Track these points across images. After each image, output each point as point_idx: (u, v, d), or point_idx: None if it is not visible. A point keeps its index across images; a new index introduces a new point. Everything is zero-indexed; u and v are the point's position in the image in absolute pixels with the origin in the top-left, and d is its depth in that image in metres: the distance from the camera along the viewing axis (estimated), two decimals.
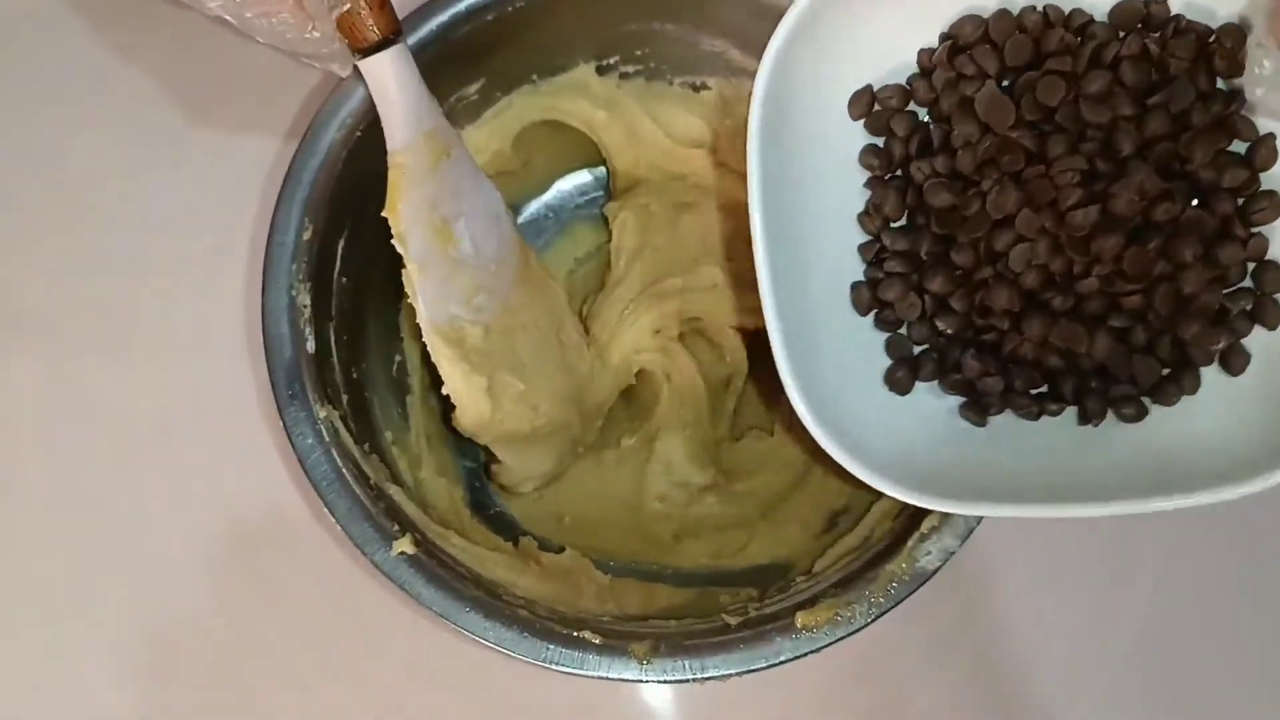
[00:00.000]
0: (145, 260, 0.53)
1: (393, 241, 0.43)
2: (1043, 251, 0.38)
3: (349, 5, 0.40)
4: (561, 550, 0.50)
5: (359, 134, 0.45)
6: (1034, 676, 0.50)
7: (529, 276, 0.50)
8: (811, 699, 0.49)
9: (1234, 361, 0.39)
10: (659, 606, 0.49)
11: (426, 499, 0.48)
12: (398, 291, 0.51)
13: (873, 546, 0.44)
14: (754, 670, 0.40)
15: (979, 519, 0.42)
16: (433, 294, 0.45)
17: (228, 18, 0.39)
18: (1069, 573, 0.51)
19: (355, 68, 0.42)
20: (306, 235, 0.44)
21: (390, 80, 0.42)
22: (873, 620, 0.41)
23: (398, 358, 0.52)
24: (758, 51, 0.49)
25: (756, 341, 0.53)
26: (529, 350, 0.49)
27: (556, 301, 0.52)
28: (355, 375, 0.48)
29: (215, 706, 0.49)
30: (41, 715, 0.49)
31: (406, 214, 0.43)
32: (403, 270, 0.44)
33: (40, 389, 0.52)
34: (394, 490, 0.45)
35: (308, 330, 0.44)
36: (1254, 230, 0.38)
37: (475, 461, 0.54)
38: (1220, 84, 0.38)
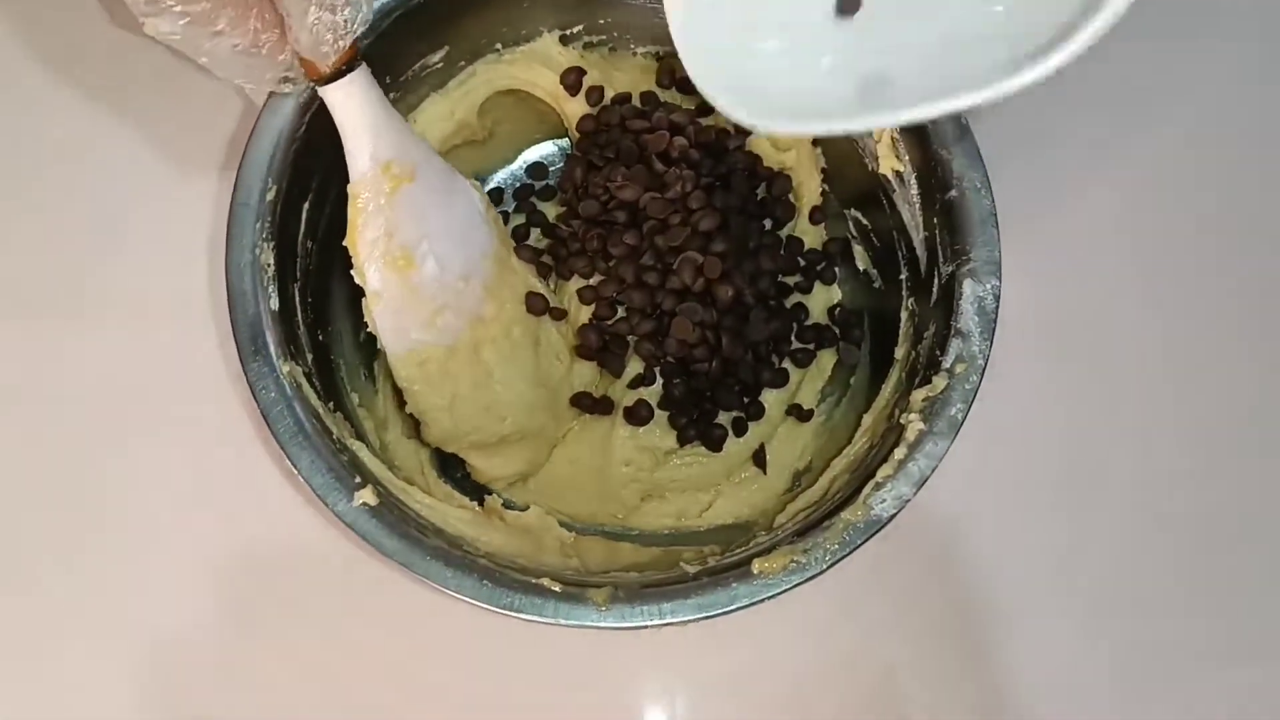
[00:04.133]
0: (110, 230, 0.54)
1: (351, 272, 0.45)
2: None
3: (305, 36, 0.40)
4: (526, 509, 0.50)
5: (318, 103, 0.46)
6: (997, 630, 0.51)
7: (505, 282, 0.50)
8: (780, 652, 0.50)
9: None
10: (622, 563, 0.49)
11: (393, 460, 0.49)
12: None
13: (830, 500, 0.45)
14: (711, 616, 0.41)
15: (932, 468, 0.42)
16: (391, 324, 0.45)
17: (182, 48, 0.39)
18: (1031, 529, 0.52)
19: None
20: (269, 196, 0.45)
21: (347, 110, 0.43)
22: (828, 566, 0.41)
23: (366, 325, 0.52)
24: None
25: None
26: (498, 361, 0.49)
27: None
28: (321, 338, 0.48)
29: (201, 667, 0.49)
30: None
31: (363, 248, 0.44)
32: (362, 300, 0.45)
33: (4, 358, 0.52)
34: (357, 446, 0.45)
35: (271, 288, 0.44)
36: None
37: None
38: None
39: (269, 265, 0.44)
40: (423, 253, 0.46)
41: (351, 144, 0.43)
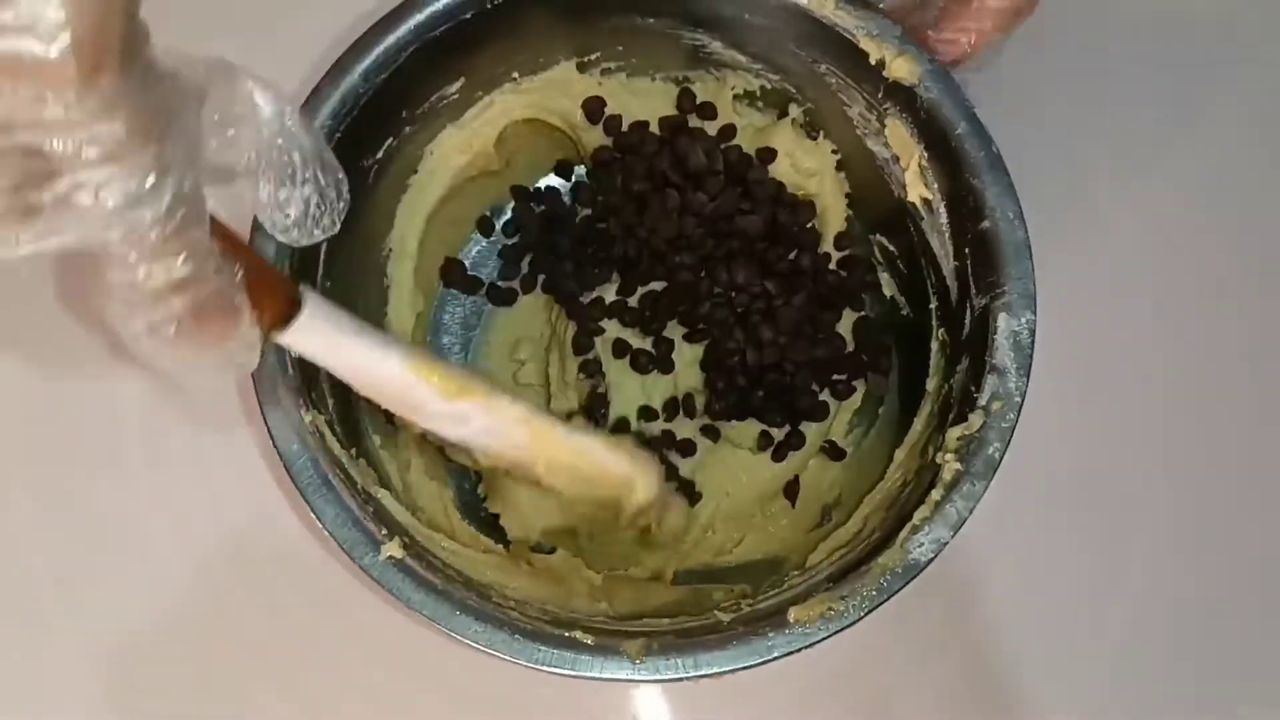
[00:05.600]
0: None
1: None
2: None
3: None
4: (553, 551, 0.50)
5: (339, 135, 0.45)
6: (1022, 676, 0.50)
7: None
8: (799, 699, 0.49)
9: None
10: (652, 605, 0.48)
11: (415, 502, 0.48)
12: (382, 298, 0.51)
13: (864, 540, 0.44)
14: (748, 667, 0.40)
15: (970, 510, 0.42)
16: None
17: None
18: (1057, 572, 0.52)
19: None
20: None
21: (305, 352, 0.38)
22: (866, 614, 0.40)
23: None
24: (740, 44, 0.50)
25: None
26: None
27: None
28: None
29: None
30: None
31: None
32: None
33: (21, 394, 0.52)
34: (382, 494, 0.44)
35: None
36: None
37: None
38: None
39: (323, 432, 0.43)
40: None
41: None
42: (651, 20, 0.50)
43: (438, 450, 0.51)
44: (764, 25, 0.49)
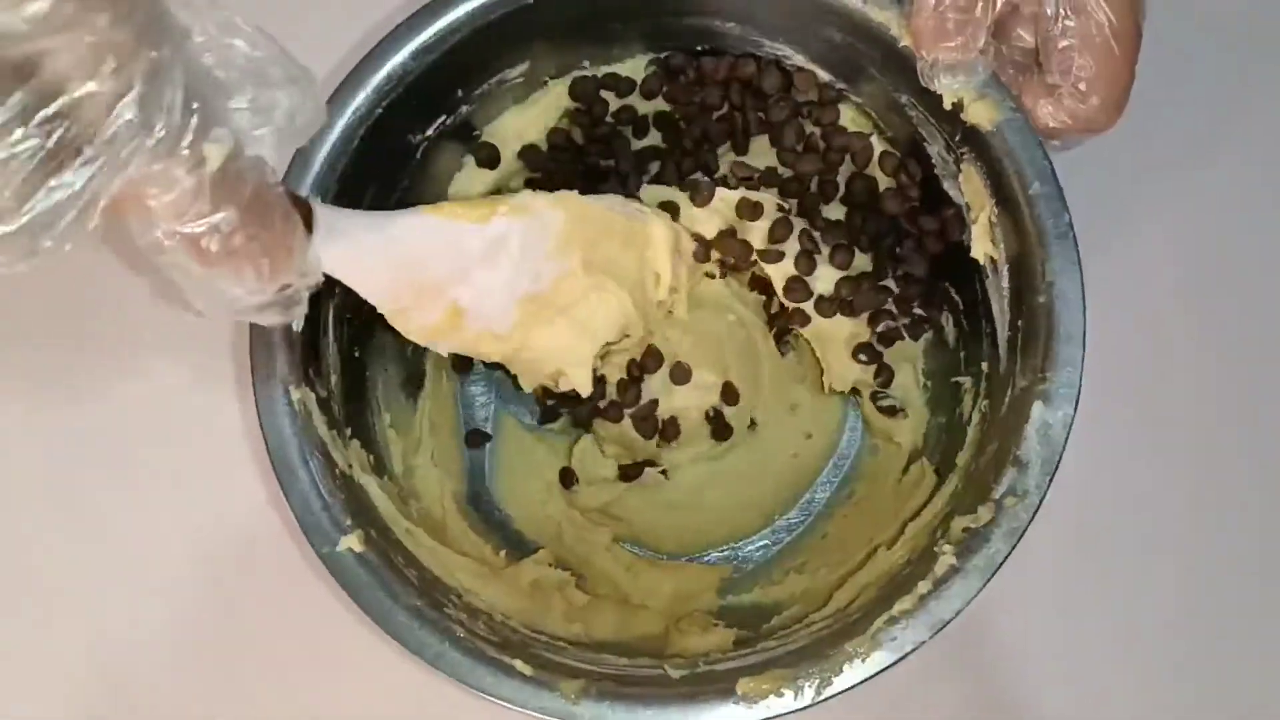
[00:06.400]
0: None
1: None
2: None
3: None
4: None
5: (379, 112, 0.44)
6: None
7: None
8: None
9: None
10: (633, 635, 0.47)
11: (414, 489, 0.48)
12: None
13: (846, 615, 0.41)
14: None
15: (956, 612, 0.38)
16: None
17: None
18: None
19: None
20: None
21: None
22: (813, 704, 0.38)
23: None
24: (818, 56, 0.47)
25: None
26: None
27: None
28: (358, 354, 0.47)
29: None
30: None
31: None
32: None
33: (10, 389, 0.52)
34: (367, 480, 0.44)
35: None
36: None
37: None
38: None
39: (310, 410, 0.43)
40: (470, 317, 0.43)
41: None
42: (731, 25, 0.47)
43: (454, 434, 0.51)
44: (841, 43, 0.45)
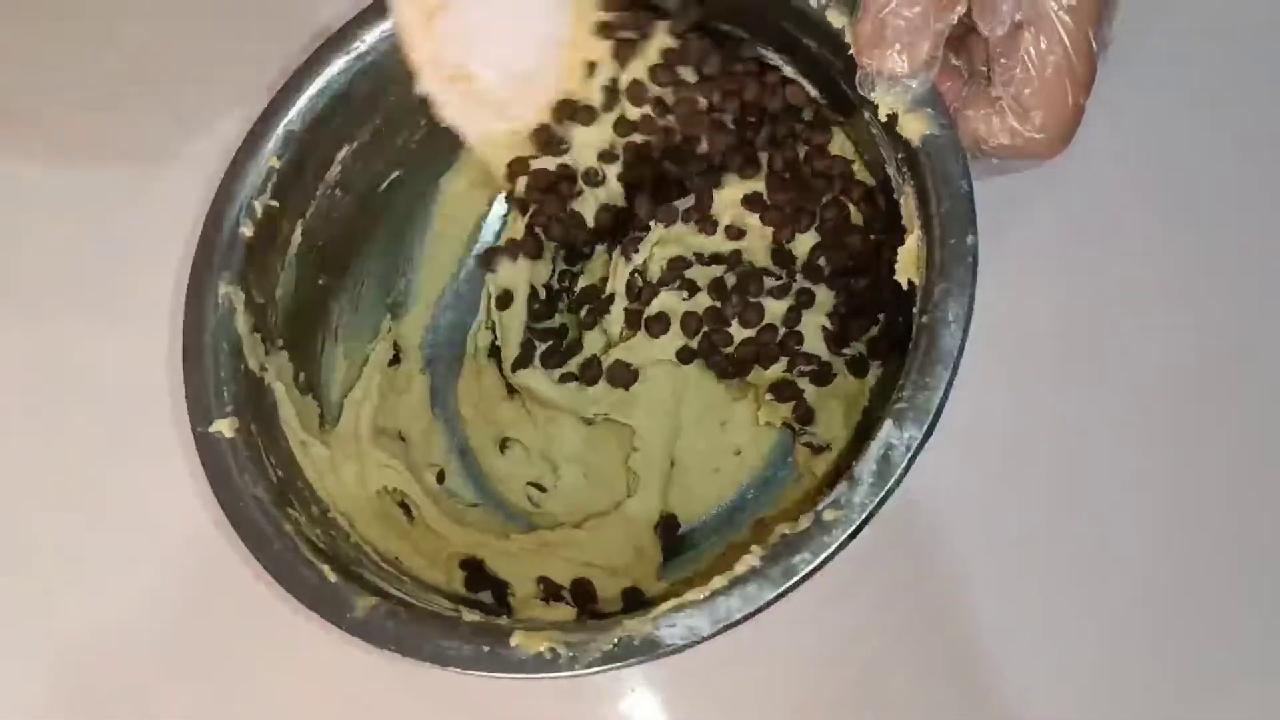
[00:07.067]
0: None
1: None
2: None
3: None
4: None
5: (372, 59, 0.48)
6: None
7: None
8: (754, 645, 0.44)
9: None
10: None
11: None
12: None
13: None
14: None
15: (743, 614, 0.36)
16: (460, 120, 0.48)
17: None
18: (1016, 521, 0.48)
19: None
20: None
21: None
22: (583, 674, 0.36)
23: (403, 281, 0.54)
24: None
25: None
26: None
27: None
28: (322, 281, 0.50)
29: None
30: None
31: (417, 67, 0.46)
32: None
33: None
34: (277, 385, 0.46)
35: (257, 204, 0.46)
36: None
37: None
38: None
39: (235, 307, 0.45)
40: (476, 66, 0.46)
41: None
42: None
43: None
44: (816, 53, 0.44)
